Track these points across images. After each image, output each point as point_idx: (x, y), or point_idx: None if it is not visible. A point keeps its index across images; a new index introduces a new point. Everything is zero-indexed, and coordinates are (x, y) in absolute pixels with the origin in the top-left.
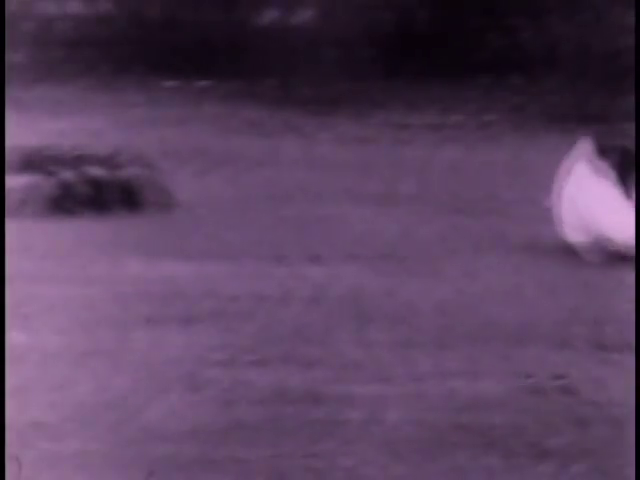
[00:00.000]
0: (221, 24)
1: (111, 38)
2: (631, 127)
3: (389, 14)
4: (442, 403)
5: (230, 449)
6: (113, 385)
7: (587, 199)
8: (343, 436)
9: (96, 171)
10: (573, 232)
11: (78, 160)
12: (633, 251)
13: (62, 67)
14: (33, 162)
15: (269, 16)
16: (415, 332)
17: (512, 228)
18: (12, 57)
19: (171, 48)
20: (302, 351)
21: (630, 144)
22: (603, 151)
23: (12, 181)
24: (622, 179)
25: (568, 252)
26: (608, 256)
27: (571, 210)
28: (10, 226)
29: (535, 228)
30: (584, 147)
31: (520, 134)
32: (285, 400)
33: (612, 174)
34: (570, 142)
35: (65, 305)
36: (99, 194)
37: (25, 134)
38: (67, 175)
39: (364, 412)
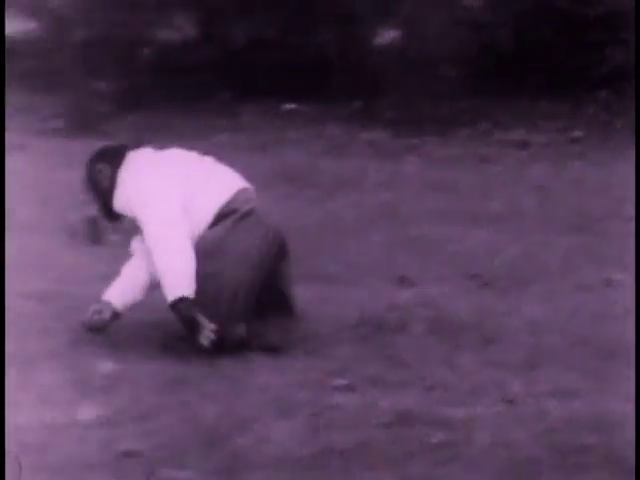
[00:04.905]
0: (306, 46)
1: (196, 63)
2: None
3: (474, 32)
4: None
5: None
6: (203, 413)
7: None
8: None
9: None
10: None
11: None
12: None
13: (146, 94)
14: None
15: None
16: (506, 353)
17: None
18: (96, 85)
19: (255, 71)
20: (393, 374)
21: None
22: None
23: None
24: None
25: None
26: None
27: None
28: None
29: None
30: None
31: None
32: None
33: None
34: None
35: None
36: None
37: None
38: None
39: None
